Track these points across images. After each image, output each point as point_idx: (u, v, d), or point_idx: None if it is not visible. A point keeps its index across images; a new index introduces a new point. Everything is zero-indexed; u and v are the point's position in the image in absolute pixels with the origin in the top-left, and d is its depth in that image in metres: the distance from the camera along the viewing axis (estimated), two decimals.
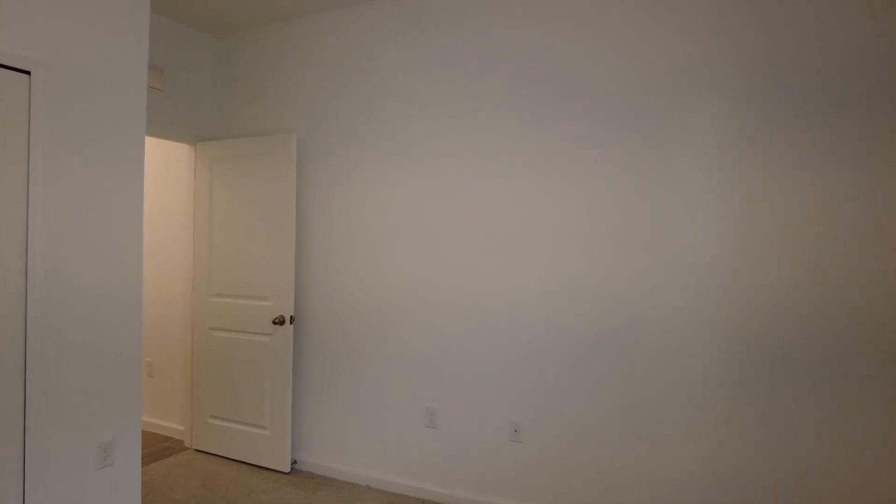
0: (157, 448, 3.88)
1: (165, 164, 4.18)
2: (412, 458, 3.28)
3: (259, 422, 3.56)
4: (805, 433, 2.49)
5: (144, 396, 4.27)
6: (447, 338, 3.18)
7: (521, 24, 3.01)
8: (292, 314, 3.47)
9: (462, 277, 3.14)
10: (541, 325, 2.97)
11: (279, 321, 3.45)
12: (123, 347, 2.63)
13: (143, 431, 4.14)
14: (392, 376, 3.33)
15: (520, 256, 3.02)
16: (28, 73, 2.31)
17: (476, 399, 3.12)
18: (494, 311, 3.07)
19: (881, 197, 2.37)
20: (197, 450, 3.84)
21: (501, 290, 3.06)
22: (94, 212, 2.54)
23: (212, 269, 3.75)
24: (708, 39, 2.64)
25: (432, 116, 3.22)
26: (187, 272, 3.89)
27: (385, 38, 3.35)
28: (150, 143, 4.15)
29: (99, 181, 2.55)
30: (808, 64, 2.47)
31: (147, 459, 3.66)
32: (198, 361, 3.82)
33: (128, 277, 2.65)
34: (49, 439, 2.36)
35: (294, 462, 3.59)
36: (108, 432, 2.59)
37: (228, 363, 3.68)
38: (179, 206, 4.06)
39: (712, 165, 2.64)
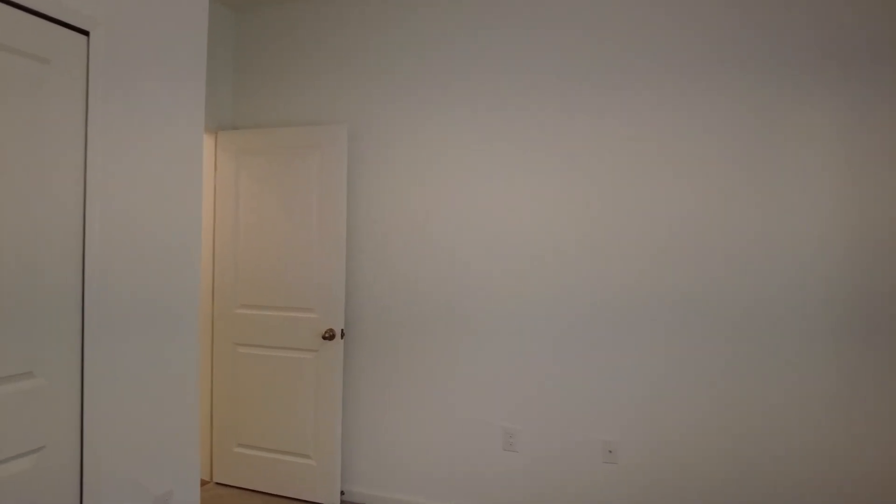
0: None
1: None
2: (486, 484, 2.97)
3: (301, 450, 3.13)
4: None
5: None
6: (528, 348, 2.90)
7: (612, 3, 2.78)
8: (343, 327, 3.07)
9: (546, 279, 2.87)
10: (643, 333, 2.74)
11: (329, 335, 3.03)
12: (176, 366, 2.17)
13: None
14: (461, 393, 3.00)
15: (614, 257, 2.78)
16: (87, 33, 1.82)
17: (563, 418, 2.85)
18: (582, 315, 2.82)
19: None
20: (219, 483, 3.34)
21: (590, 292, 2.81)
22: (154, 209, 2.07)
23: (238, 277, 3.27)
24: (836, 16, 2.51)
25: (513, 104, 2.92)
26: (205, 279, 3.38)
27: (461, 17, 3.02)
28: None
29: (159, 161, 2.09)
30: None
31: None
32: (220, 382, 3.32)
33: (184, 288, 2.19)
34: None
35: (342, 493, 3.19)
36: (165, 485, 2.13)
37: (260, 384, 3.22)
38: None
39: (826, 148, 2.51)
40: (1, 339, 1.61)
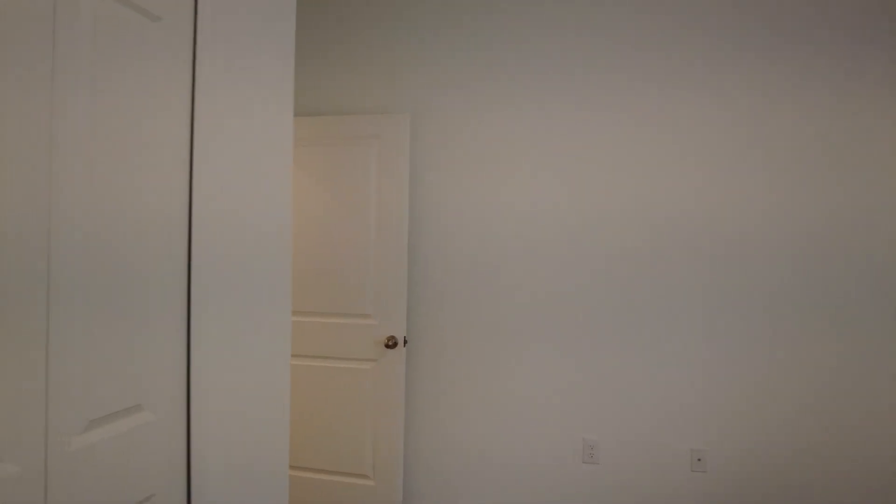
0: None
1: None
2: (564, 500, 2.78)
3: (358, 469, 2.84)
4: None
5: None
6: (611, 352, 2.73)
7: None
8: (405, 334, 2.80)
9: (621, 282, 2.71)
10: (733, 336, 2.64)
11: (391, 343, 2.76)
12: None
13: None
14: (536, 404, 2.80)
15: (704, 256, 2.66)
16: None
17: (649, 428, 2.71)
18: (668, 317, 2.68)
19: None
20: None
21: (665, 295, 2.68)
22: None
23: None
24: None
25: (591, 94, 2.74)
26: None
27: (534, 14, 2.80)
28: None
29: (255, 142, 1.77)
30: None
31: None
32: None
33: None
34: None
35: None
36: None
37: (313, 399, 2.89)
38: None
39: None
40: (107, 362, 1.27)
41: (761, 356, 2.60)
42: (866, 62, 2.52)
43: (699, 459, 2.67)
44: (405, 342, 2.80)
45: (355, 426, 2.83)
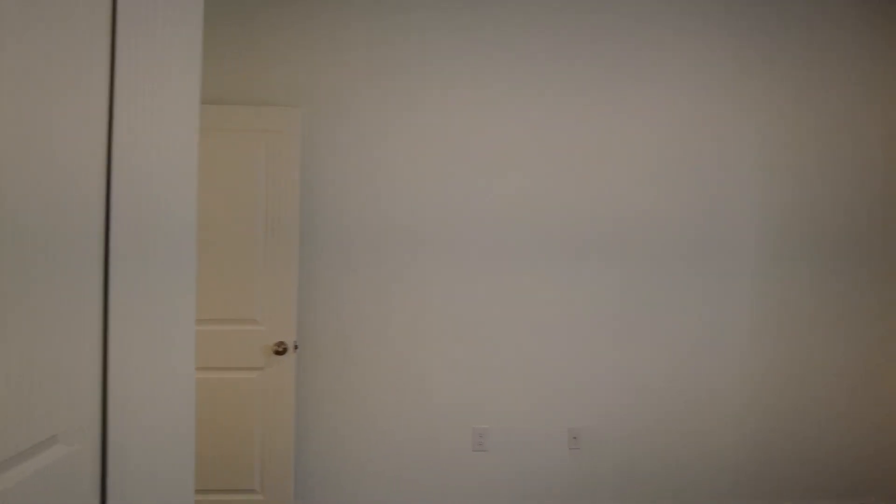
0: None
1: None
2: (456, 488, 2.90)
3: (245, 484, 2.66)
4: None
5: None
6: (497, 343, 2.91)
7: None
8: (295, 339, 2.69)
9: (516, 274, 2.91)
10: (608, 324, 2.97)
11: (280, 350, 2.63)
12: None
13: None
14: (428, 399, 2.87)
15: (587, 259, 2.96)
16: None
17: (532, 412, 2.94)
18: (549, 309, 2.94)
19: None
20: None
21: (564, 302, 2.94)
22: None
23: None
24: None
25: (490, 97, 2.89)
26: None
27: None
28: None
29: (164, 114, 1.59)
30: None
31: None
32: None
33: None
34: None
35: None
36: None
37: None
38: None
39: None
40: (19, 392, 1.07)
41: (630, 340, 2.97)
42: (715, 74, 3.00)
43: (575, 438, 2.96)
44: (296, 347, 2.69)
45: (242, 440, 2.65)
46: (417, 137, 2.85)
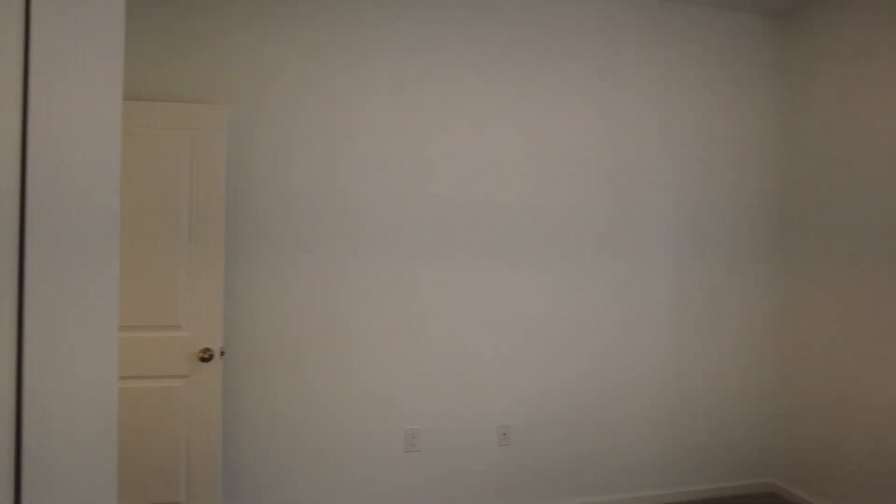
0: None
1: None
2: (388, 490, 2.90)
3: (171, 497, 2.55)
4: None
5: None
6: (428, 345, 2.95)
7: None
8: (222, 346, 2.62)
9: (440, 271, 2.97)
10: (531, 322, 3.07)
11: (206, 356, 2.55)
12: None
13: None
14: (361, 402, 2.87)
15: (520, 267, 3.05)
16: None
17: (462, 411, 2.99)
18: (474, 312, 3.01)
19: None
20: None
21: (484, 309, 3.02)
22: None
23: None
24: None
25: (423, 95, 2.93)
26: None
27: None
28: None
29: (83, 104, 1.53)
30: None
31: None
32: None
33: None
34: None
35: None
36: None
37: None
38: None
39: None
40: None
41: (557, 336, 3.09)
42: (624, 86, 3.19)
43: (504, 434, 3.04)
44: (222, 354, 2.62)
45: (167, 451, 2.54)
46: (349, 135, 2.86)
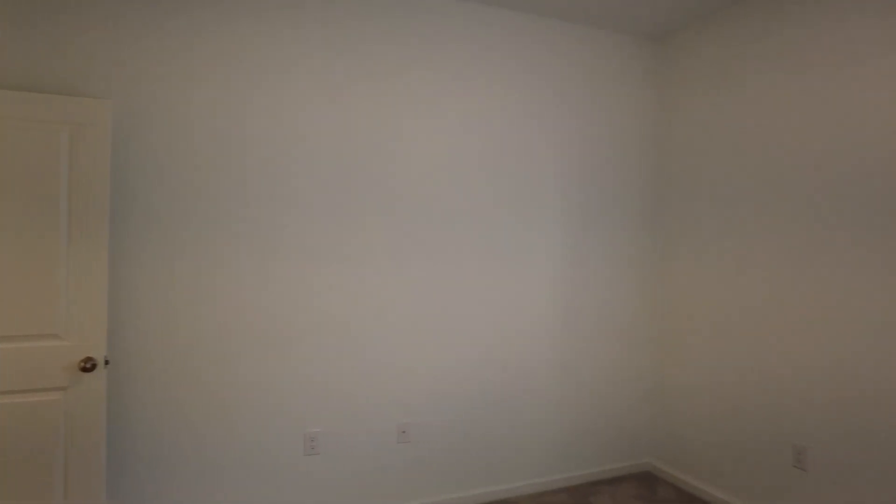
0: None
1: None
2: (288, 493, 2.87)
3: None
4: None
5: None
6: (321, 348, 2.95)
7: None
8: (106, 354, 2.47)
9: (335, 276, 2.98)
10: (425, 324, 3.16)
11: (88, 366, 2.40)
12: None
13: None
14: (260, 406, 2.82)
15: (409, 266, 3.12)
16: None
17: (361, 412, 3.02)
18: (365, 317, 3.06)
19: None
20: None
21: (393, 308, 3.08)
22: None
23: None
24: None
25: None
26: None
27: None
28: None
29: None
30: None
31: None
32: None
33: None
34: None
35: None
36: None
37: None
38: None
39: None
40: None
41: (449, 331, 3.20)
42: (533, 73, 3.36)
43: (404, 432, 3.11)
44: (106, 363, 2.47)
45: (39, 474, 2.36)
46: (241, 128, 2.79)
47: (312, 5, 2.92)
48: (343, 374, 2.97)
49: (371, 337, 3.03)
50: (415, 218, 3.12)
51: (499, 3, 3.28)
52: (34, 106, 2.36)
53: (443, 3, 3.19)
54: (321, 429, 2.93)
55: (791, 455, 2.92)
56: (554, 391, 3.50)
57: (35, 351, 2.36)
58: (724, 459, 3.30)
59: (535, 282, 3.43)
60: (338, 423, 2.97)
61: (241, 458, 2.79)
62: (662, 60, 3.79)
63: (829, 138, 2.75)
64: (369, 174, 3.03)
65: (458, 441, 3.23)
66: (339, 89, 2.97)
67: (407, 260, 3.10)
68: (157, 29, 2.65)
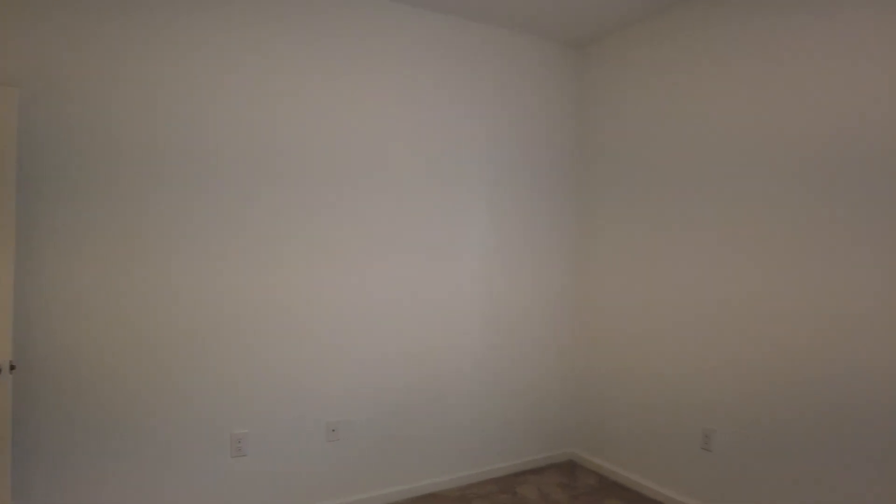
0: None
1: None
2: (215, 496, 2.80)
3: None
4: None
5: None
6: (255, 352, 2.90)
7: None
8: (11, 358, 2.32)
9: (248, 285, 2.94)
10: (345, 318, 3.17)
11: None
12: None
13: None
14: (184, 407, 2.73)
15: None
16: None
17: (291, 411, 2.99)
18: (289, 312, 3.03)
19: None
20: None
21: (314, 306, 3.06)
22: None
23: None
24: None
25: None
26: None
27: None
28: None
29: None
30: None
31: None
32: None
33: None
34: None
35: None
36: None
37: None
38: None
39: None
40: None
41: (373, 327, 3.22)
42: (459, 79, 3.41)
43: (333, 430, 3.10)
44: (12, 367, 2.32)
45: None
46: (154, 114, 2.70)
47: None
48: (270, 374, 2.93)
49: (298, 335, 3.00)
50: (333, 211, 3.11)
51: (433, 7, 3.33)
52: None
53: (383, 5, 3.20)
54: (249, 430, 2.88)
55: (700, 438, 3.14)
56: (480, 384, 3.59)
57: None
58: (640, 445, 3.50)
59: (460, 274, 3.50)
60: (266, 424, 2.92)
61: (164, 461, 2.69)
62: (585, 64, 3.97)
63: (740, 129, 2.99)
64: (286, 159, 2.99)
65: (387, 437, 3.26)
66: (253, 79, 2.92)
67: (329, 253, 3.09)
68: (67, 13, 2.51)
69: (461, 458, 3.52)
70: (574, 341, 3.99)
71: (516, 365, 3.73)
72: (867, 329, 2.44)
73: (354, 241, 3.15)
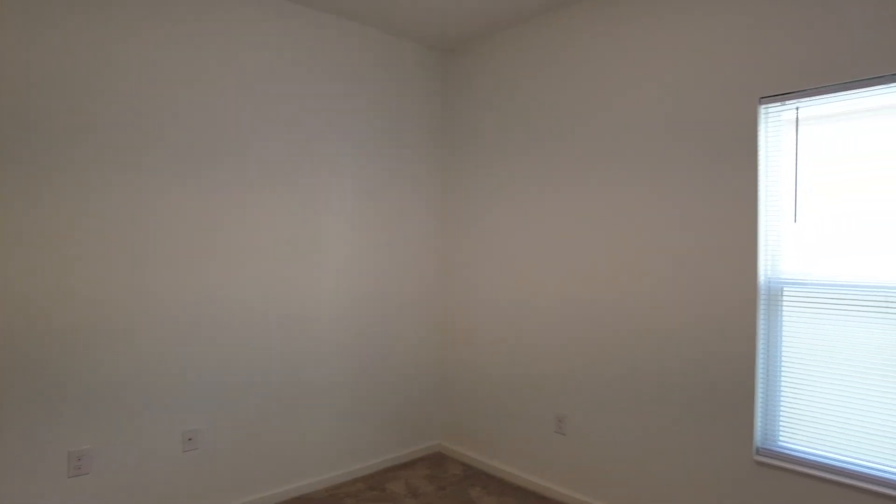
0: None
1: None
2: None
3: None
4: None
5: None
6: (97, 357, 2.67)
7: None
8: None
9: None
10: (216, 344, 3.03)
11: None
12: None
13: None
14: (19, 421, 2.44)
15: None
16: None
17: (142, 424, 2.79)
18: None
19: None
20: None
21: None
22: None
23: None
24: None
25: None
26: None
27: None
28: None
29: None
30: None
31: None
32: None
33: None
34: None
35: None
36: None
37: None
38: None
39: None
40: None
41: (224, 330, 3.10)
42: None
43: (190, 439, 2.94)
44: None
45: None
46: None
47: None
48: (114, 380, 2.71)
49: (147, 336, 2.81)
50: (168, 202, 2.96)
51: (308, 4, 3.26)
52: None
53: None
54: (90, 445, 2.65)
55: (554, 423, 3.37)
56: (344, 382, 3.58)
57: None
58: (502, 433, 3.69)
59: (323, 266, 3.47)
60: (111, 437, 2.70)
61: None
62: (453, 62, 4.09)
63: (577, 120, 3.25)
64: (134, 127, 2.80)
65: (250, 442, 3.15)
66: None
67: (188, 241, 2.93)
68: None
69: (329, 459, 3.49)
70: (440, 334, 4.10)
71: (382, 360, 3.77)
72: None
73: (197, 235, 3.00)
